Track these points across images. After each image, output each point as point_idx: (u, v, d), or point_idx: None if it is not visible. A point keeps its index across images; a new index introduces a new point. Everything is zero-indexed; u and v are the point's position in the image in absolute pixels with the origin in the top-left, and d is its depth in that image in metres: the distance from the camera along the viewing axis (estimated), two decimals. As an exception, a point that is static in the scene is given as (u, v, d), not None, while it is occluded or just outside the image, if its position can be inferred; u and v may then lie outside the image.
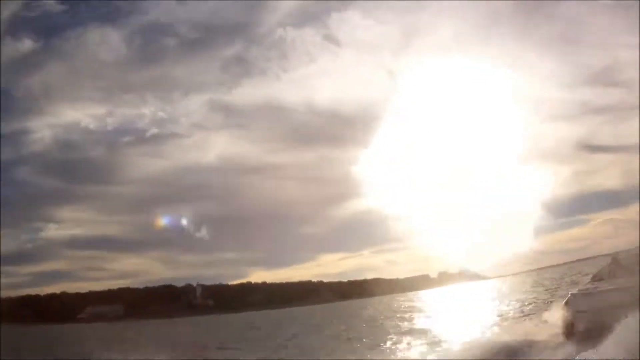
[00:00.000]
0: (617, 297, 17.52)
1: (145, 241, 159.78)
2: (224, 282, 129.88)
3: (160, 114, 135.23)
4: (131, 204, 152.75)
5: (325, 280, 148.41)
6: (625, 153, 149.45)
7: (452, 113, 76.55)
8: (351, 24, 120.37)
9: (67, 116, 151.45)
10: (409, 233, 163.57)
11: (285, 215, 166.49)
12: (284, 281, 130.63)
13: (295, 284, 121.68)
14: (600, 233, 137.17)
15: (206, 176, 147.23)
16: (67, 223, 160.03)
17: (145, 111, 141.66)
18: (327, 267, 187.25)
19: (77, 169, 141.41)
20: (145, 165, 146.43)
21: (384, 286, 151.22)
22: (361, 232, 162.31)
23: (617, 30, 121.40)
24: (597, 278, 21.02)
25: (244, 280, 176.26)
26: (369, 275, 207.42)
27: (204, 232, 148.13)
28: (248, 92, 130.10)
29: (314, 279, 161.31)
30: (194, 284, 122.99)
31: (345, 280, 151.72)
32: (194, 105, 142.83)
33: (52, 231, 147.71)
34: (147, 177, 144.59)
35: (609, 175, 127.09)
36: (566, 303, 20.29)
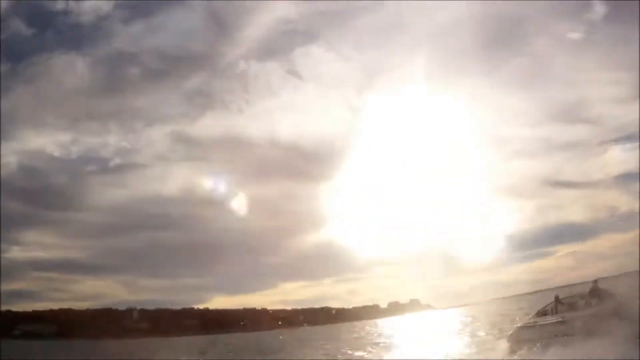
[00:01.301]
0: (555, 329, 20.50)
1: (108, 266, 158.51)
2: (176, 307, 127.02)
3: (124, 143, 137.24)
4: (94, 230, 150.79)
5: (287, 307, 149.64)
6: (588, 188, 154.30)
7: (415, 149, 77.54)
8: (315, 59, 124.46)
9: (32, 143, 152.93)
10: (369, 264, 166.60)
11: (247, 245, 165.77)
12: (239, 307, 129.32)
13: (238, 311, 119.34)
14: (563, 265, 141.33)
15: (167, 206, 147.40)
16: (31, 246, 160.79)
17: (109, 140, 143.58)
18: (288, 294, 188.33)
19: (41, 195, 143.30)
20: (108, 193, 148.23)
21: (332, 315, 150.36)
22: (322, 262, 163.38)
23: (584, 67, 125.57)
24: (540, 313, 23.82)
25: (206, 305, 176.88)
26: (332, 304, 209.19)
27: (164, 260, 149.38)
28: (210, 124, 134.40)
29: (269, 307, 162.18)
30: (137, 308, 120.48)
31: (300, 307, 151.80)
32: (156, 135, 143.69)
33: (16, 253, 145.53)
34: (109, 206, 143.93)
35: (573, 209, 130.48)
36: (510, 335, 22.90)
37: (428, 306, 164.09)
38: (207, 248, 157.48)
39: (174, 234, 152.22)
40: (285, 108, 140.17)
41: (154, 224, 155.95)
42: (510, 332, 23.92)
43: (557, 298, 23.99)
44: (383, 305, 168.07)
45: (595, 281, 24.10)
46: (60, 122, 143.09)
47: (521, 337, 22.34)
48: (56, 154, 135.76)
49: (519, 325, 24.14)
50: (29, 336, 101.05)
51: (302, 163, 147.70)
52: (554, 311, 23.34)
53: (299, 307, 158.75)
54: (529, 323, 24.04)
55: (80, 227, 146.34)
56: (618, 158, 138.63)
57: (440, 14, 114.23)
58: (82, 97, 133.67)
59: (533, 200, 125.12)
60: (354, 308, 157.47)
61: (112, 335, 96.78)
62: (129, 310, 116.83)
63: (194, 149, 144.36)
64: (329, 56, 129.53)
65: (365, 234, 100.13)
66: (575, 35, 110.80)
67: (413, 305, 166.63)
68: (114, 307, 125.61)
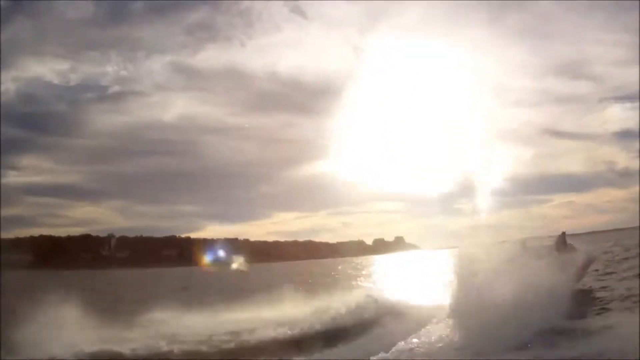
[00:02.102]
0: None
1: (104, 191, 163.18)
2: (157, 235, 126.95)
3: (123, 72, 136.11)
4: (91, 155, 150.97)
5: (280, 239, 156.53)
6: (587, 141, 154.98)
7: (415, 92, 75.80)
8: None
9: (31, 70, 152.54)
10: (365, 199, 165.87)
11: (243, 174, 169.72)
12: (228, 236, 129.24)
13: (218, 241, 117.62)
14: (558, 213, 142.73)
15: (166, 133, 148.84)
16: (27, 171, 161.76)
17: (109, 69, 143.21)
18: (282, 225, 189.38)
19: (39, 121, 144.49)
20: (106, 120, 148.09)
21: (315, 250, 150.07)
22: (318, 194, 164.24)
23: (588, 27, 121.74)
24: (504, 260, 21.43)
25: (199, 234, 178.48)
26: (326, 237, 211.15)
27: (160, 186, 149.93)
28: (212, 57, 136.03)
29: (263, 237, 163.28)
30: (115, 235, 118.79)
31: (285, 240, 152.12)
32: (156, 65, 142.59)
33: (12, 178, 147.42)
34: (108, 131, 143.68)
35: (571, 160, 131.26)
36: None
37: (413, 246, 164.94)
38: (205, 176, 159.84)
39: (171, 160, 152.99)
40: (288, 44, 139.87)
41: (152, 150, 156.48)
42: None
43: (523, 243, 23.16)
44: (368, 242, 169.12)
45: (563, 233, 24.40)
46: (60, 50, 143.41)
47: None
48: (55, 81, 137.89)
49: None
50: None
51: (302, 97, 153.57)
52: (520, 255, 21.86)
53: (291, 238, 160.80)
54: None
55: (77, 152, 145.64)
56: (617, 115, 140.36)
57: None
58: (83, 26, 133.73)
59: (531, 148, 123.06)
60: (339, 243, 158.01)
61: (88, 265, 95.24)
62: (108, 238, 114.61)
63: (194, 80, 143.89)
64: None
65: (362, 169, 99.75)
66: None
67: (398, 243, 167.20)
68: (93, 234, 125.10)
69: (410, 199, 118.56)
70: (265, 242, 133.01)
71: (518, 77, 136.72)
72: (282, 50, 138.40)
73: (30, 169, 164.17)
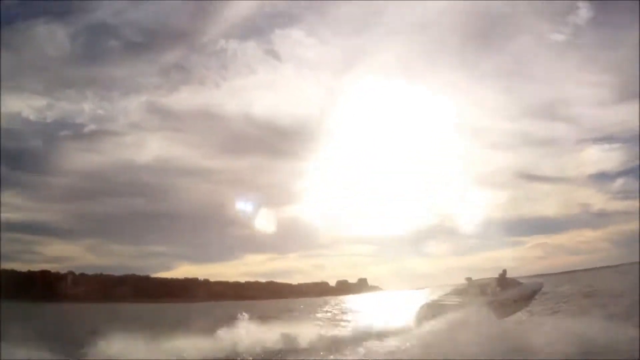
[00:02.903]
0: (455, 310, 22.46)
1: (78, 229, 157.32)
2: (117, 273, 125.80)
3: (99, 111, 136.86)
4: (65, 194, 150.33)
5: (251, 279, 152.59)
6: (562, 184, 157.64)
7: (390, 135, 76.63)
8: (294, 41, 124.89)
9: (8, 106, 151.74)
10: (336, 241, 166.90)
11: (215, 217, 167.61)
12: (204, 276, 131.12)
13: (178, 281, 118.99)
14: (532, 255, 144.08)
15: (140, 174, 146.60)
16: (3, 207, 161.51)
17: (85, 107, 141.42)
18: (254, 266, 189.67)
19: (15, 157, 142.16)
20: (81, 159, 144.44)
21: (277, 290, 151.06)
22: (289, 237, 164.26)
23: (566, 68, 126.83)
24: (453, 293, 25.41)
25: (172, 273, 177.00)
26: (296, 278, 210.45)
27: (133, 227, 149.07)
28: (186, 98, 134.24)
29: (234, 278, 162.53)
30: (74, 272, 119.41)
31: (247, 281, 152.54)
32: (132, 105, 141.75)
33: None
34: (82, 171, 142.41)
35: (546, 203, 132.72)
36: (418, 310, 24.32)
37: (376, 287, 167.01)
38: (177, 217, 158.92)
39: (144, 201, 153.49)
40: (262, 87, 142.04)
41: (126, 190, 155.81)
42: (420, 307, 25.12)
43: (469, 281, 25.42)
44: (332, 283, 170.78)
45: (504, 271, 25.54)
46: (38, 87, 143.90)
47: (424, 313, 23.93)
48: (32, 117, 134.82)
49: (427, 302, 25.60)
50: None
51: (276, 140, 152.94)
52: (466, 292, 24.92)
53: (262, 279, 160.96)
54: (437, 300, 25.59)
55: (52, 190, 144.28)
56: (594, 157, 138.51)
57: (423, 5, 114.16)
58: (61, 64, 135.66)
59: (507, 191, 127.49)
60: (300, 284, 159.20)
61: (44, 298, 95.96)
62: (65, 274, 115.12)
63: (168, 120, 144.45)
64: (309, 40, 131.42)
65: (335, 212, 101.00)
66: (559, 37, 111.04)
67: (361, 285, 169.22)
68: (62, 271, 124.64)
69: (381, 241, 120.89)
70: (226, 282, 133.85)
71: (494, 119, 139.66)
72: (256, 92, 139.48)
73: (6, 206, 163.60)
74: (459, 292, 25.43)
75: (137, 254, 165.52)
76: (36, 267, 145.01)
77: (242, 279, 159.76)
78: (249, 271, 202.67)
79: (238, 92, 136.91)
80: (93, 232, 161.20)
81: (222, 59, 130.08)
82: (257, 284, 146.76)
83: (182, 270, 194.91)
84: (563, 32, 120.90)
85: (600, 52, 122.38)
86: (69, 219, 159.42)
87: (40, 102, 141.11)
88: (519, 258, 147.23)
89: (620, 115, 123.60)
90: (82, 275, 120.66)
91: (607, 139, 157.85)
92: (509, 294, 24.18)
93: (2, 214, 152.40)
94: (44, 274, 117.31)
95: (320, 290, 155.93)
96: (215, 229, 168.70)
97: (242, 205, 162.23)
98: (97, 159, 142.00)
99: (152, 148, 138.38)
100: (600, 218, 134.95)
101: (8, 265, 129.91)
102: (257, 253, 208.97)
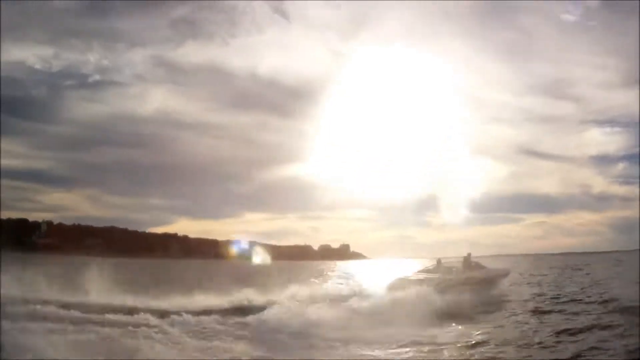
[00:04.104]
0: (424, 284, 24.80)
1: (75, 178, 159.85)
2: (99, 225, 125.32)
3: (105, 62, 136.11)
4: (66, 142, 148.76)
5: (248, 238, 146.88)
6: (564, 163, 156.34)
7: (394, 101, 76.63)
8: (303, 1, 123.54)
9: (13, 54, 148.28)
10: (335, 204, 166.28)
11: (215, 172, 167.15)
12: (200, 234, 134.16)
13: (155, 236, 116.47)
14: (530, 233, 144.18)
15: (142, 126, 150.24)
16: (3, 154, 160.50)
17: (90, 58, 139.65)
18: (251, 225, 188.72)
19: (18, 104, 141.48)
20: (85, 108, 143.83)
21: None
22: (288, 197, 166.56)
23: (574, 49, 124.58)
24: (423, 271, 28.24)
25: (170, 227, 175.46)
26: (294, 240, 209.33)
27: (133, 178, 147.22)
28: (193, 53, 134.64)
29: (231, 236, 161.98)
30: (48, 221, 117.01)
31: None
32: (138, 57, 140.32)
33: None
34: (84, 120, 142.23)
35: (546, 181, 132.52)
36: (390, 283, 25.97)
37: (359, 255, 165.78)
38: (177, 171, 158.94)
39: (145, 153, 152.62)
40: (269, 45, 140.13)
41: (127, 141, 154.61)
42: (391, 281, 26.61)
43: (438, 261, 28.29)
44: (315, 247, 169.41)
45: (468, 254, 28.52)
46: (44, 36, 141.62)
47: (397, 286, 25.31)
48: (37, 66, 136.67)
49: (400, 277, 27.27)
50: None
51: (280, 98, 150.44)
52: (435, 272, 27.53)
53: (259, 239, 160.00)
54: (409, 276, 27.63)
55: (53, 138, 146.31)
56: (597, 139, 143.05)
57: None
58: (67, 14, 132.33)
59: (508, 166, 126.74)
60: (285, 247, 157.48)
61: (14, 248, 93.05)
62: (39, 223, 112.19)
63: (173, 74, 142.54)
64: (317, 2, 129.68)
65: (335, 175, 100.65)
66: (569, 18, 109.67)
67: (343, 251, 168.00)
68: (31, 220, 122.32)
69: (380, 207, 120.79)
70: (209, 240, 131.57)
71: (498, 93, 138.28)
72: (263, 51, 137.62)
73: (5, 153, 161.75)
74: (429, 270, 28.08)
75: (135, 206, 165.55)
76: (33, 216, 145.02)
77: (234, 238, 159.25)
78: (245, 230, 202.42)
79: (245, 50, 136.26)
80: (92, 182, 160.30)
81: (231, 15, 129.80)
82: (227, 242, 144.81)
83: (180, 226, 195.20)
84: (573, 13, 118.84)
85: (609, 35, 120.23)
86: (69, 167, 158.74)
87: (46, 51, 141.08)
88: (516, 235, 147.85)
89: (625, 99, 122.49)
90: (60, 225, 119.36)
91: (610, 122, 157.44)
92: (471, 275, 26.72)
93: (1, 161, 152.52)
94: (22, 222, 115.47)
95: (302, 253, 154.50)
96: (215, 185, 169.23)
97: (244, 162, 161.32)
98: (100, 109, 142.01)
99: (155, 100, 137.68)
100: (599, 201, 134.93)
101: (7, 214, 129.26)
102: (257, 212, 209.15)
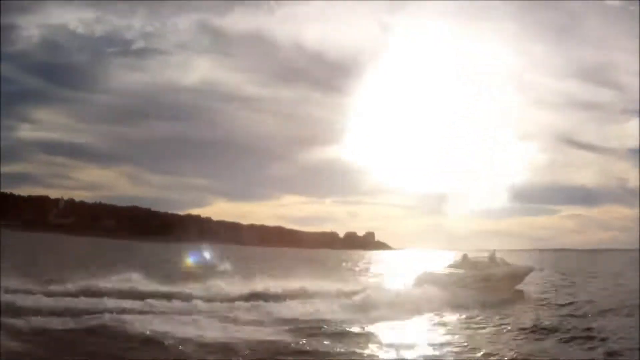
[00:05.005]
0: (450, 279, 25.09)
1: (115, 154, 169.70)
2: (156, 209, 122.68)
3: (149, 28, 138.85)
4: (107, 114, 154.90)
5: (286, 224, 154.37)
6: (603, 154, 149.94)
7: (440, 78, 75.20)
8: None
9: (56, 17, 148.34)
10: (374, 190, 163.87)
11: (256, 149, 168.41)
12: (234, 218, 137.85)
13: (170, 215, 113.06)
14: (565, 226, 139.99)
15: (185, 97, 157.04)
16: (42, 125, 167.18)
17: (134, 23, 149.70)
18: (288, 209, 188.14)
19: (59, 71, 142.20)
20: (127, 77, 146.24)
21: (285, 237, 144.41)
22: (328, 180, 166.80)
23: (618, 34, 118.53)
24: (450, 266, 27.96)
25: (203, 210, 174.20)
26: (331, 226, 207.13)
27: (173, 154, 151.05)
28: (239, 20, 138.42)
29: (266, 221, 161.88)
30: (64, 199, 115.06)
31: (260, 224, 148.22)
32: (182, 23, 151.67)
33: (26, 132, 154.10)
34: (127, 90, 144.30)
35: (584, 172, 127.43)
36: (417, 277, 25.94)
37: (383, 244, 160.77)
38: (218, 146, 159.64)
39: (187, 126, 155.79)
40: (315, 16, 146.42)
41: (168, 114, 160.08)
42: (419, 274, 26.72)
43: (464, 256, 28.12)
44: (341, 234, 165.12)
45: (493, 251, 28.24)
46: None
47: (423, 279, 25.53)
48: (80, 30, 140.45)
49: (427, 270, 27.34)
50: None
51: (324, 72, 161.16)
52: (460, 266, 27.27)
53: (296, 224, 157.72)
54: (436, 270, 27.67)
55: (94, 109, 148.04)
56: (637, 131, 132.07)
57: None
58: None
59: (547, 154, 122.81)
60: (312, 233, 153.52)
61: (31, 227, 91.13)
62: (55, 201, 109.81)
63: (218, 42, 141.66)
64: None
65: (374, 159, 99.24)
66: (615, 3, 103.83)
67: (366, 239, 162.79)
68: (51, 197, 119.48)
69: (417, 195, 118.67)
70: (234, 224, 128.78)
71: (541, 75, 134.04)
72: (308, 22, 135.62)
73: (45, 123, 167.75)
74: (456, 265, 27.76)
75: (174, 185, 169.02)
76: (68, 194, 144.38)
77: (278, 222, 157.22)
78: (283, 214, 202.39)
79: (291, 19, 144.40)
80: (131, 158, 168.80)
81: None
82: (262, 228, 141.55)
83: (216, 208, 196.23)
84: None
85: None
86: (107, 142, 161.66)
87: (89, 14, 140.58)
88: (551, 228, 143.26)
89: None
90: (82, 203, 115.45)
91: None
92: (494, 272, 26.52)
93: (38, 133, 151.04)
94: (43, 199, 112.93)
95: (327, 241, 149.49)
96: (255, 165, 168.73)
97: (285, 140, 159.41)
98: (142, 78, 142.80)
99: (199, 70, 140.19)
100: (634, 196, 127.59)
101: (42, 192, 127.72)
102: (295, 194, 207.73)
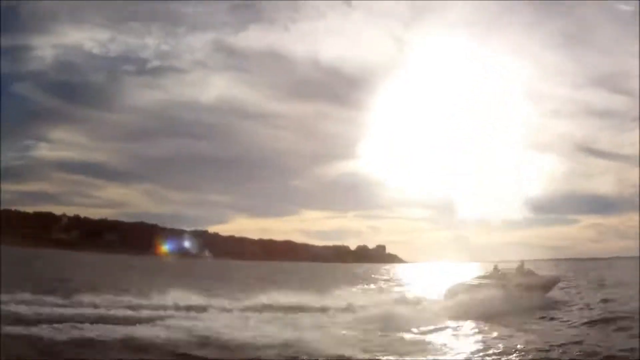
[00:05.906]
0: (481, 289, 26.10)
1: (134, 172, 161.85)
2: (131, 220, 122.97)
3: (164, 46, 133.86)
4: (124, 132, 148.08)
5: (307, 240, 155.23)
6: (620, 162, 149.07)
7: (455, 91, 75.62)
8: None
9: (71, 38, 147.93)
10: (393, 203, 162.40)
11: (275, 165, 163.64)
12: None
13: (176, 231, 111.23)
14: (584, 236, 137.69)
15: (202, 114, 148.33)
16: (59, 144, 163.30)
17: (149, 42, 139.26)
18: (309, 224, 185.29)
19: (75, 91, 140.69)
20: (143, 95, 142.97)
21: (293, 250, 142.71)
22: (349, 194, 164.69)
23: (631, 40, 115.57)
24: (480, 277, 29.41)
25: (225, 227, 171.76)
26: (350, 241, 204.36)
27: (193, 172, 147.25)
28: (254, 37, 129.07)
29: (287, 236, 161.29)
30: (67, 215, 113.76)
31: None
32: (197, 42, 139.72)
33: (43, 151, 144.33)
34: (143, 108, 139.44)
35: (602, 180, 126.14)
36: (449, 288, 27.32)
37: (394, 257, 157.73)
38: (237, 164, 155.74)
39: (204, 143, 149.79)
40: (331, 32, 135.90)
41: (186, 131, 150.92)
42: (450, 285, 27.92)
43: (495, 268, 29.27)
44: (352, 247, 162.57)
45: (522, 262, 29.42)
46: (101, 19, 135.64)
47: (455, 290, 26.74)
48: (95, 50, 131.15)
49: (458, 282, 28.84)
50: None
51: (341, 87, 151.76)
52: (490, 277, 28.50)
53: (318, 239, 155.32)
54: (467, 281, 28.95)
55: (111, 128, 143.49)
56: None
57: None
58: None
59: (564, 164, 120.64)
60: (323, 247, 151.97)
61: (31, 244, 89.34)
62: (59, 217, 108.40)
63: (234, 59, 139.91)
64: None
65: (394, 172, 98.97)
66: (627, 8, 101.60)
67: (377, 252, 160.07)
68: (56, 213, 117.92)
69: (437, 206, 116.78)
70: (232, 238, 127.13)
71: (557, 85, 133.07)
72: (324, 37, 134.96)
73: (62, 143, 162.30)
74: (486, 276, 29.14)
75: (194, 201, 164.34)
76: (86, 212, 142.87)
77: (298, 238, 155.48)
78: (303, 229, 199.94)
79: (306, 36, 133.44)
80: (150, 176, 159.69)
81: (293, 0, 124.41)
82: (270, 243, 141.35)
83: (237, 225, 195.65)
84: (631, 4, 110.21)
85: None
86: (126, 160, 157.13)
87: (103, 35, 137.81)
88: (571, 237, 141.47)
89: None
90: (86, 219, 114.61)
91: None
92: (525, 281, 27.65)
93: (56, 153, 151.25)
94: (48, 215, 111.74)
95: (338, 254, 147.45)
96: (275, 180, 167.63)
97: (304, 155, 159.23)
98: (158, 96, 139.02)
99: (215, 87, 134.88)
100: None
101: (62, 209, 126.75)
102: (315, 209, 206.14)
